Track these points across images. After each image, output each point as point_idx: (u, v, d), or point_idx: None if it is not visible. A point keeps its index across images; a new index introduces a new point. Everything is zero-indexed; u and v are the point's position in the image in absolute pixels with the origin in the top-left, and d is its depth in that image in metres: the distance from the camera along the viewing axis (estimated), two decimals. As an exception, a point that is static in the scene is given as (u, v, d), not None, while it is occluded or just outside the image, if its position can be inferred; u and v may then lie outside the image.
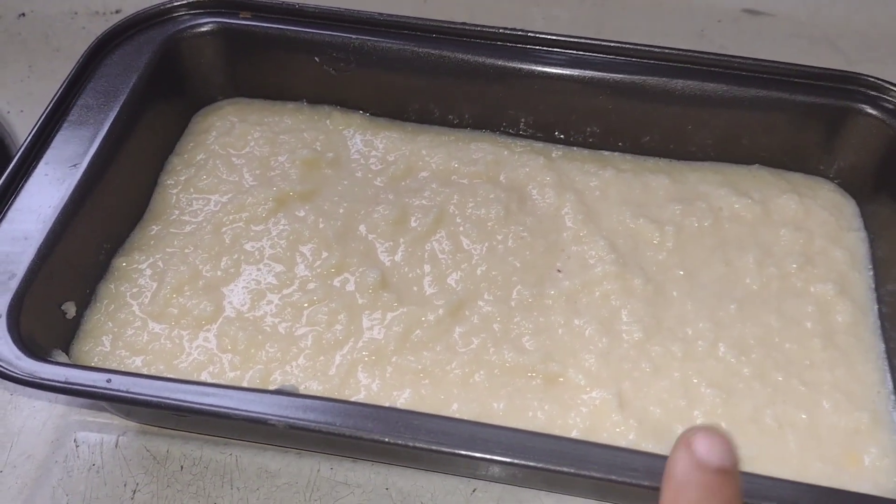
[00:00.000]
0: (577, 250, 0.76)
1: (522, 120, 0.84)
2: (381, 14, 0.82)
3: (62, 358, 0.65)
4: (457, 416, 0.65)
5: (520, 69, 0.81)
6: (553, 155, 0.84)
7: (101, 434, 0.71)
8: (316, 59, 0.83)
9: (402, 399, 0.67)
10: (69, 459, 0.70)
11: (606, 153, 0.84)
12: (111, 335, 0.70)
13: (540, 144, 0.84)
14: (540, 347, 0.70)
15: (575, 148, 0.84)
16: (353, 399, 0.67)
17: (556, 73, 0.80)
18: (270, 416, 0.57)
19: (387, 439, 0.55)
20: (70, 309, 0.69)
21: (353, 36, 0.82)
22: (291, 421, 0.56)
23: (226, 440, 0.71)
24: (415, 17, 0.82)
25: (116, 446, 0.71)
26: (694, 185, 0.81)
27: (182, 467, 0.70)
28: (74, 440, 0.71)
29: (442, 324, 0.71)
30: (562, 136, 0.84)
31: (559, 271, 0.75)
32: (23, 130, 0.93)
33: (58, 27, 1.04)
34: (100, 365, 0.68)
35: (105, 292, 0.72)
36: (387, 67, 0.82)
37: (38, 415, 0.73)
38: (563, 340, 0.71)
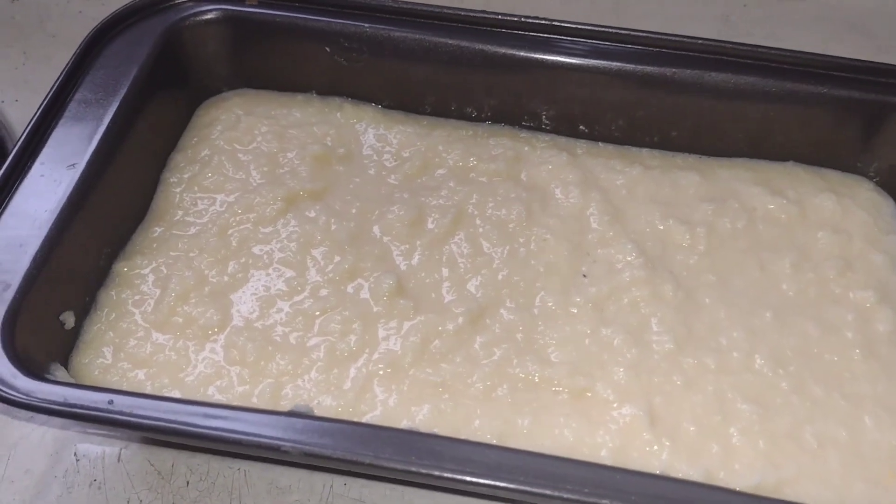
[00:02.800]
0: (604, 254, 0.73)
1: (544, 113, 0.80)
2: (394, 1, 0.78)
3: (61, 373, 0.62)
4: (479, 433, 0.62)
5: (542, 60, 0.77)
6: (577, 151, 0.80)
7: (102, 447, 0.68)
8: (326, 48, 0.79)
9: (421, 415, 0.63)
10: (69, 474, 0.67)
11: (633, 149, 0.80)
12: (112, 346, 0.66)
13: (563, 140, 0.80)
14: (566, 359, 0.66)
15: (600, 143, 0.80)
16: (369, 416, 0.63)
17: (579, 64, 0.77)
18: (284, 443, 0.53)
19: (411, 469, 0.52)
20: (69, 319, 0.65)
21: (366, 24, 0.78)
22: (306, 448, 0.53)
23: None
24: (430, 5, 0.78)
25: (119, 460, 0.68)
26: (726, 182, 0.77)
27: (188, 483, 0.67)
28: (75, 453, 0.68)
29: (462, 333, 0.67)
30: (586, 131, 0.80)
31: (585, 276, 0.71)
32: (18, 121, 0.89)
33: (53, 11, 1.00)
34: (101, 378, 0.65)
35: (106, 300, 0.68)
36: (401, 58, 0.78)
37: (36, 425, 0.69)
38: (591, 351, 0.67)
